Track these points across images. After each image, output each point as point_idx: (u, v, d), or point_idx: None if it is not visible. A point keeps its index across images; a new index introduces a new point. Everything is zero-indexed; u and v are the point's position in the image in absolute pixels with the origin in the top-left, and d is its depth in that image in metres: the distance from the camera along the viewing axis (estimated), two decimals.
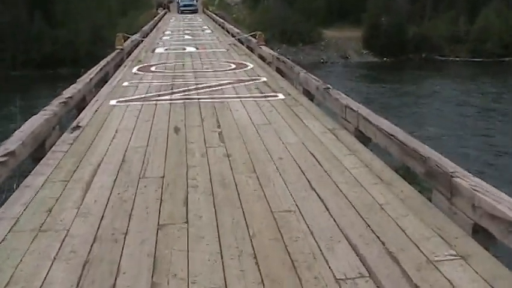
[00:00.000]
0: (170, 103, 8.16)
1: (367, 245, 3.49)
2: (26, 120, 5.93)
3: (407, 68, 32.99)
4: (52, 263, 3.28)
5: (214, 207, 4.11)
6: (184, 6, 49.28)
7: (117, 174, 4.92)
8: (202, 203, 4.20)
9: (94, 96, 8.75)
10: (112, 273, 3.16)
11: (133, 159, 5.37)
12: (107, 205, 4.19)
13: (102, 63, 11.36)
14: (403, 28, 36.17)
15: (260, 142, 5.93)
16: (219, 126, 6.66)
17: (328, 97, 7.39)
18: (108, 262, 3.29)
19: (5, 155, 4.60)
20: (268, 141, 5.97)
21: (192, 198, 4.30)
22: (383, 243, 3.50)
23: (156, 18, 36.19)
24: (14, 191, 4.56)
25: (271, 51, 13.37)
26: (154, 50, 16.95)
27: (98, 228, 3.78)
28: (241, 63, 12.91)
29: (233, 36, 21.53)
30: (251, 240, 3.57)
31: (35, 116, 6.02)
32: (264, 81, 10.10)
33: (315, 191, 4.45)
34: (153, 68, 12.29)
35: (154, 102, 8.24)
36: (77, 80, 8.82)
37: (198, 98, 8.48)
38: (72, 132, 6.44)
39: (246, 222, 3.83)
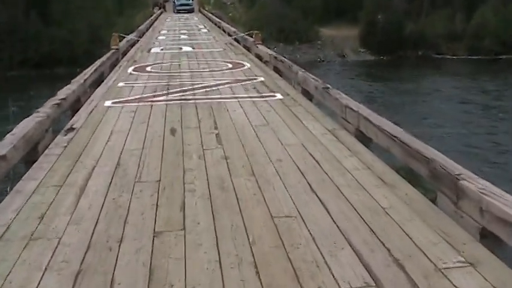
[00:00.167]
0: (166, 104, 8.01)
1: (372, 251, 3.36)
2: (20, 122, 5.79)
3: (404, 66, 32.92)
4: (43, 274, 3.13)
5: (212, 212, 3.97)
6: (181, 5, 49.10)
7: (112, 178, 4.78)
8: (200, 208, 4.05)
9: (89, 97, 8.59)
10: (106, 283, 3.02)
11: (128, 162, 5.22)
12: (101, 211, 4.04)
13: (97, 63, 11.20)
14: (400, 26, 36.08)
15: (258, 144, 5.79)
16: (216, 128, 6.52)
17: (328, 97, 7.25)
18: (102, 272, 3.14)
19: None
20: (266, 142, 5.83)
21: (189, 203, 4.16)
22: (388, 250, 3.36)
23: (152, 18, 36.00)
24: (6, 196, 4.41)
25: (269, 51, 13.23)
26: (150, 49, 16.79)
27: (92, 235, 3.64)
28: (238, 63, 12.77)
29: (229, 35, 21.38)
30: (251, 247, 3.43)
31: (27, 119, 5.87)
32: (262, 81, 9.95)
33: (316, 194, 4.31)
34: (148, 68, 12.13)
35: (150, 103, 8.10)
36: (72, 81, 8.66)
37: (195, 99, 8.33)
38: (66, 135, 6.28)
39: (246, 228, 3.69)
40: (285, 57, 12.59)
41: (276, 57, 11.47)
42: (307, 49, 36.32)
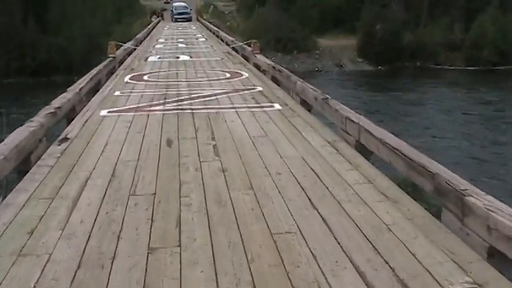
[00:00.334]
0: (163, 113, 7.88)
1: (376, 271, 3.21)
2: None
3: (402, 76, 32.90)
4: None
5: (209, 228, 3.82)
6: (178, 14, 49.12)
7: (106, 190, 4.63)
8: (196, 224, 3.91)
9: (84, 106, 8.44)
10: None
11: (123, 174, 5.07)
12: (93, 225, 3.89)
13: (94, 71, 11.06)
14: (398, 36, 36.10)
15: (257, 155, 5.65)
16: (213, 139, 6.38)
17: (327, 108, 7.12)
18: None
19: None
20: (265, 154, 5.69)
21: (185, 217, 4.01)
22: (392, 269, 3.22)
23: (149, 26, 35.93)
24: None
25: (267, 60, 13.11)
26: (147, 58, 16.66)
27: (84, 252, 3.48)
28: (236, 72, 12.64)
29: (227, 44, 21.28)
30: (249, 266, 3.28)
31: (19, 128, 5.71)
32: (260, 91, 9.82)
33: (316, 209, 4.17)
34: (145, 77, 12.00)
35: (146, 112, 7.95)
36: (67, 89, 8.52)
37: (192, 108, 8.19)
38: (59, 145, 6.14)
39: (244, 246, 3.55)
40: (282, 66, 12.48)
41: (274, 67, 11.36)
42: (305, 59, 36.29)
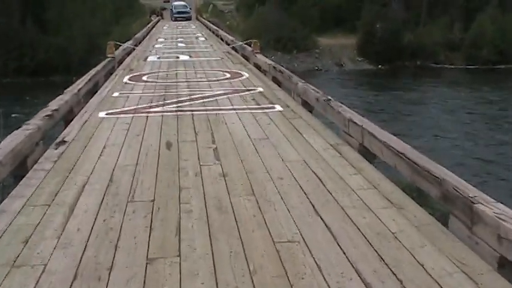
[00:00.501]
0: (162, 115, 7.75)
1: (383, 283, 3.10)
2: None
3: (402, 76, 32.78)
4: None
5: (210, 236, 3.70)
6: (178, 13, 48.96)
7: (104, 196, 4.51)
8: (197, 232, 3.78)
9: (82, 108, 8.31)
10: None
11: (121, 179, 4.95)
12: (90, 234, 3.77)
13: (92, 72, 10.93)
14: (398, 35, 35.95)
15: (258, 159, 5.53)
16: (213, 142, 6.25)
17: (330, 109, 7.00)
18: None
19: None
20: (266, 158, 5.56)
21: (185, 225, 3.89)
22: (400, 282, 3.10)
23: (149, 26, 35.80)
24: None
25: (267, 60, 12.98)
26: (146, 58, 16.52)
27: (80, 262, 3.36)
28: (236, 73, 12.51)
29: (227, 44, 21.15)
30: (251, 277, 3.16)
31: (16, 131, 5.59)
32: (260, 92, 9.70)
33: (320, 216, 4.05)
34: (144, 78, 11.87)
35: (145, 114, 7.83)
36: (65, 91, 8.39)
37: (192, 110, 8.06)
38: (57, 148, 6.01)
39: (246, 255, 3.43)
40: (282, 65, 12.36)
41: (275, 67, 11.23)
42: (304, 58, 36.14)
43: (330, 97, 7.40)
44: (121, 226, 3.89)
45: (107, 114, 7.86)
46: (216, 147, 6.01)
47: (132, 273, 3.22)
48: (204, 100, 8.89)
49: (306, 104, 8.22)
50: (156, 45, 21.91)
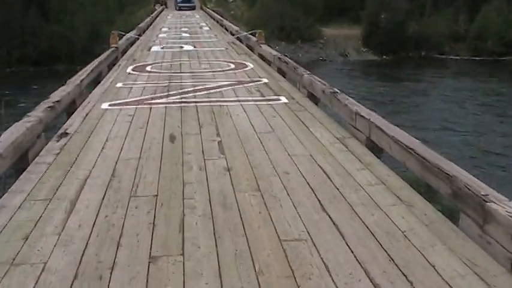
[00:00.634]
0: (166, 107, 7.64)
1: (393, 284, 3.00)
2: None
3: (407, 67, 32.58)
4: None
5: (214, 234, 3.61)
6: (182, 2, 48.76)
7: (106, 191, 4.41)
8: (201, 229, 3.69)
9: (85, 99, 8.21)
10: None
11: (124, 173, 4.85)
12: (92, 230, 3.68)
13: (95, 62, 10.81)
14: (402, 26, 35.73)
15: (263, 153, 5.42)
16: (218, 134, 6.14)
17: (336, 102, 6.88)
18: None
19: None
20: (272, 152, 5.45)
21: (189, 222, 3.80)
22: (411, 283, 3.01)
23: (153, 15, 35.60)
24: None
25: (272, 51, 12.84)
26: (150, 48, 16.40)
27: (81, 260, 3.27)
28: (241, 63, 12.38)
29: (232, 34, 20.99)
30: (257, 277, 3.07)
31: (17, 123, 5.48)
32: (265, 83, 9.57)
33: (327, 214, 3.94)
34: (148, 68, 11.75)
35: (148, 105, 7.72)
36: (67, 81, 8.28)
37: (196, 102, 7.95)
38: (58, 141, 5.91)
39: (251, 254, 3.33)
40: (286, 55, 12.22)
41: (280, 58, 11.09)
42: (309, 48, 35.96)
43: (336, 89, 7.28)
44: (123, 223, 3.80)
45: (109, 105, 7.76)
46: (221, 140, 5.91)
47: (135, 273, 3.13)
48: (209, 91, 8.77)
49: (311, 96, 8.10)
50: (160, 35, 21.75)
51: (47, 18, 29.38)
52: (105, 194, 4.35)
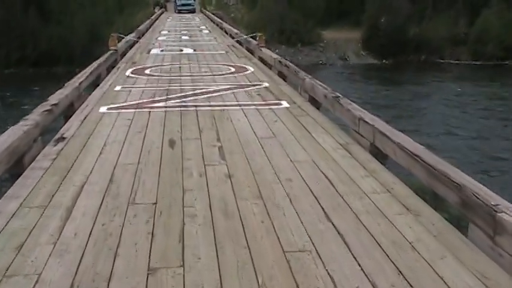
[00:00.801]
0: (165, 111, 7.52)
1: None
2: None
3: (407, 70, 32.45)
4: None
5: (216, 244, 3.48)
6: (182, 5, 48.68)
7: (103, 198, 4.28)
8: (201, 239, 3.56)
9: (83, 102, 8.08)
10: None
11: (122, 179, 4.72)
12: (88, 240, 3.55)
13: (94, 64, 10.70)
14: (402, 29, 35.61)
15: (265, 159, 5.29)
16: (218, 140, 6.02)
17: (338, 107, 6.76)
18: None
19: None
20: (274, 158, 5.33)
21: (189, 231, 3.67)
22: None
23: (152, 18, 35.51)
24: None
25: (273, 54, 12.73)
26: (149, 51, 16.28)
27: (76, 271, 3.14)
28: (241, 67, 12.26)
29: (232, 37, 20.88)
30: None
31: (13, 127, 5.36)
32: (266, 87, 9.45)
33: (332, 223, 3.82)
34: (147, 71, 11.63)
35: (148, 109, 7.60)
36: (65, 84, 8.16)
37: (196, 105, 7.83)
38: (55, 145, 5.79)
39: (254, 266, 3.20)
40: (286, 59, 12.11)
41: (280, 62, 10.98)
42: (309, 51, 35.84)
43: (338, 94, 7.16)
44: (121, 231, 3.67)
45: (108, 109, 7.64)
46: (221, 145, 5.78)
47: (133, 285, 3.00)
48: (209, 95, 8.65)
49: (313, 101, 7.99)
50: (160, 38, 21.65)
51: (47, 19, 29.23)
52: (102, 201, 4.22)
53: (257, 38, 14.84)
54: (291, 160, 5.26)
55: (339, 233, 3.66)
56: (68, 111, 7.36)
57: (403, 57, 35.50)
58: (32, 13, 28.47)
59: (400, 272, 3.15)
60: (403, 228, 3.73)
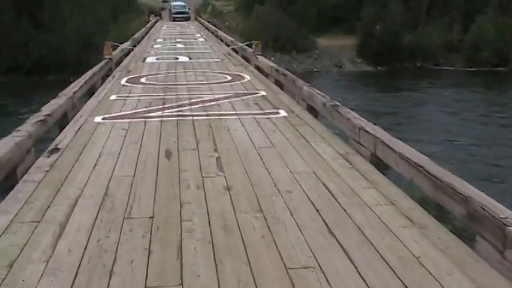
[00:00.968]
0: (161, 120, 7.38)
1: None
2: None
3: (402, 77, 32.53)
4: None
5: (215, 261, 3.34)
6: (177, 13, 48.61)
7: (98, 212, 4.14)
8: (200, 255, 3.42)
9: (77, 112, 7.94)
10: None
11: (117, 192, 4.58)
12: (82, 257, 3.41)
13: (89, 73, 10.56)
14: (397, 36, 35.70)
15: (264, 170, 5.16)
16: (216, 150, 5.88)
17: (338, 116, 6.64)
18: None
19: None
20: (273, 169, 5.20)
21: (188, 247, 3.53)
22: None
23: (147, 26, 35.40)
24: None
25: (270, 62, 12.62)
26: (145, 59, 16.15)
27: None
28: (238, 75, 12.14)
29: (227, 45, 20.78)
30: None
31: (5, 138, 5.21)
32: (263, 96, 9.33)
33: (335, 237, 3.69)
34: (143, 80, 11.50)
35: (143, 119, 7.45)
36: (59, 94, 8.02)
37: (192, 115, 7.70)
38: (49, 156, 5.64)
39: (255, 284, 3.07)
40: (281, 66, 12.00)
41: (277, 70, 10.86)
42: (304, 59, 35.92)
43: (337, 102, 7.05)
44: (116, 248, 3.53)
45: (103, 119, 7.50)
46: (219, 156, 5.65)
47: None
48: (205, 104, 8.52)
49: (311, 109, 7.87)
50: (155, 46, 21.53)
51: (39, 27, 29.14)
52: (97, 215, 4.08)
53: (253, 46, 14.73)
54: (290, 171, 5.14)
55: (342, 247, 3.53)
56: (62, 121, 7.22)
57: (398, 64, 35.60)
58: (24, 22, 28.37)
59: None
60: (408, 242, 3.61)
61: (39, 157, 5.65)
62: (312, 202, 4.34)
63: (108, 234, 3.74)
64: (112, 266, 3.29)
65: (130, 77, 11.98)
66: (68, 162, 5.43)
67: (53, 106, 7.09)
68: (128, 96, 9.38)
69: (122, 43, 18.30)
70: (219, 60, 15.96)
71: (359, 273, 3.20)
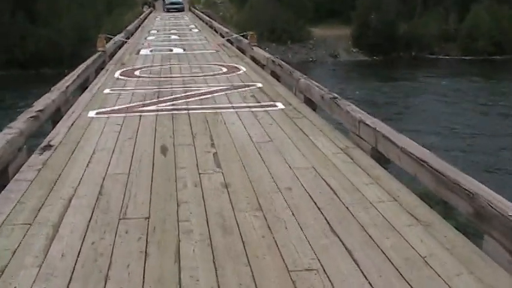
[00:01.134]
0: (156, 114, 7.24)
1: None
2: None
3: (397, 67, 32.39)
4: None
5: (214, 264, 3.21)
6: (171, 4, 48.30)
7: (92, 213, 4.00)
8: (199, 258, 3.30)
9: (71, 107, 7.78)
10: None
11: (112, 191, 4.44)
12: (76, 261, 3.27)
13: (82, 67, 10.38)
14: (392, 26, 35.52)
15: (263, 166, 5.04)
16: (213, 145, 5.75)
17: (337, 109, 6.51)
18: None
19: None
20: (272, 164, 5.07)
21: (185, 249, 3.40)
22: None
23: (141, 17, 35.12)
24: None
25: (265, 53, 12.47)
26: (139, 51, 15.96)
27: None
28: (233, 67, 11.98)
29: (222, 36, 20.59)
30: None
31: None
32: (260, 88, 9.19)
33: (338, 237, 3.57)
34: (137, 72, 11.33)
35: (138, 113, 7.31)
36: (52, 88, 7.86)
37: (188, 108, 7.56)
38: (41, 154, 5.50)
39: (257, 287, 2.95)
40: (276, 57, 11.86)
41: (273, 61, 10.71)
42: (299, 49, 35.70)
43: (336, 94, 6.92)
44: (112, 251, 3.40)
45: (97, 113, 7.35)
46: (216, 151, 5.52)
47: None
48: (201, 97, 8.38)
49: (309, 102, 7.73)
50: (149, 38, 21.32)
51: (35, 21, 28.87)
52: (91, 216, 3.94)
53: (248, 37, 14.55)
54: (289, 166, 5.01)
55: (346, 248, 3.41)
56: (56, 116, 7.07)
57: (394, 54, 35.44)
58: (19, 15, 28.08)
59: None
60: (414, 242, 3.49)
61: (31, 154, 5.51)
62: (313, 200, 4.21)
63: (103, 236, 3.61)
64: (107, 271, 3.16)
65: (124, 69, 11.81)
66: (61, 160, 5.29)
67: (45, 101, 6.93)
68: (122, 90, 9.23)
69: (116, 35, 18.08)
70: (214, 51, 15.78)
71: (364, 275, 3.08)
